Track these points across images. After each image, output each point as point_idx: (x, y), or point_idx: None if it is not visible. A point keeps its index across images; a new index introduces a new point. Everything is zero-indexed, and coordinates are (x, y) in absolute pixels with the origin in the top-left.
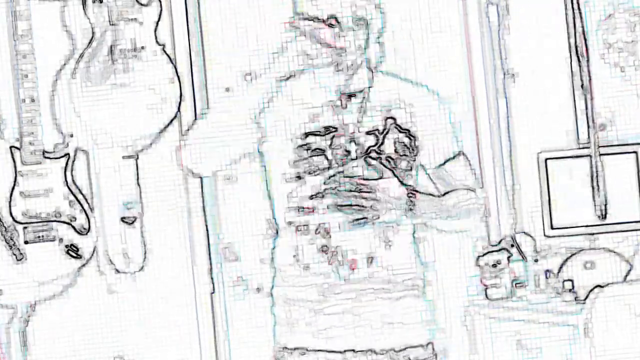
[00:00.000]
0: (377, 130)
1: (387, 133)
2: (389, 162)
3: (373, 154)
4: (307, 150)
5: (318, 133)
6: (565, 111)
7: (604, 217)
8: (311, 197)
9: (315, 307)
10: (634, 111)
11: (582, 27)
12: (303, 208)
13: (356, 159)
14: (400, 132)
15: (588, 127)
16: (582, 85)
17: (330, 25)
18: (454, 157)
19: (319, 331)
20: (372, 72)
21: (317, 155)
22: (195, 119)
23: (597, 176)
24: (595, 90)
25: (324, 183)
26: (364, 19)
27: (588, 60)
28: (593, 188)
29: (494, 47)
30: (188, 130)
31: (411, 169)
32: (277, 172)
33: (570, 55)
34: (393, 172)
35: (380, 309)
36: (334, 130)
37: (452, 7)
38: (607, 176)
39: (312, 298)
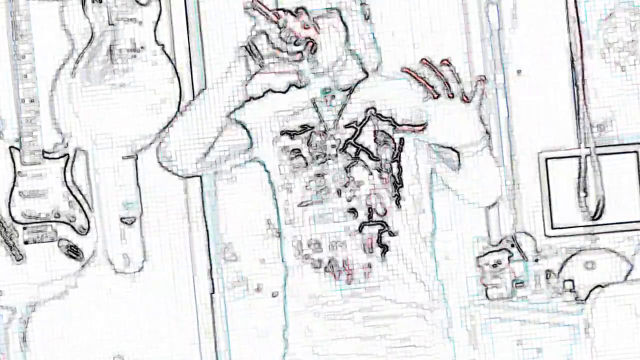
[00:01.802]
0: (355, 122)
1: (365, 123)
2: (368, 154)
3: (349, 148)
4: (287, 152)
5: (294, 132)
6: (566, 111)
7: (599, 217)
8: (300, 205)
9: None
10: (635, 111)
11: (579, 26)
12: (292, 220)
13: (335, 155)
14: (381, 120)
15: (585, 127)
16: (576, 85)
17: (293, 14)
18: None
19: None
20: (367, 73)
21: (295, 157)
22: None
23: (586, 177)
24: (594, 90)
25: (306, 187)
26: (337, 9)
27: (582, 59)
28: (581, 189)
29: (493, 47)
30: (165, 129)
31: (397, 159)
32: (274, 180)
33: (571, 54)
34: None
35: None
36: (310, 128)
37: (452, 7)
38: (607, 176)
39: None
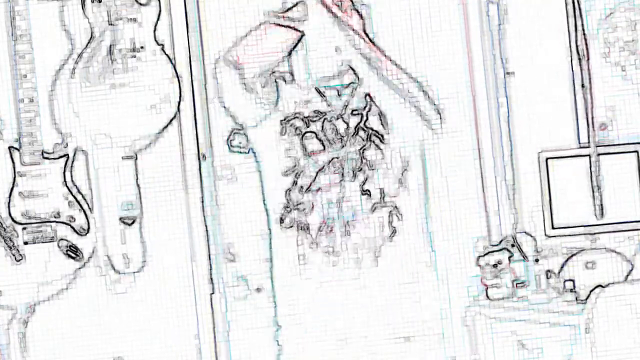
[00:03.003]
0: (359, 109)
1: (369, 109)
2: (379, 137)
3: (361, 132)
4: (298, 135)
5: (309, 117)
6: (566, 110)
7: (602, 215)
8: (308, 190)
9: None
10: (635, 110)
11: (582, 25)
12: (300, 205)
13: (347, 137)
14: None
15: (588, 127)
16: (582, 85)
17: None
18: None
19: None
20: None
21: (310, 139)
22: None
23: (596, 176)
24: (595, 89)
25: (321, 171)
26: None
27: (588, 60)
28: (593, 188)
29: (494, 47)
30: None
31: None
32: (271, 168)
33: (571, 54)
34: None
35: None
36: (322, 114)
37: (452, 7)
38: (607, 176)
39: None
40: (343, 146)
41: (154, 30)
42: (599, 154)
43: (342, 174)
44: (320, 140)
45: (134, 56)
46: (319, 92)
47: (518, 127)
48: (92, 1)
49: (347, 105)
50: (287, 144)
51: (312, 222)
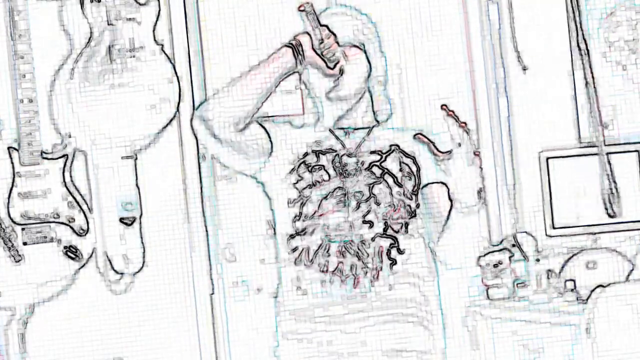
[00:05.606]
0: (380, 150)
1: (390, 154)
2: (394, 178)
3: (375, 168)
4: (307, 167)
5: (319, 151)
6: (567, 110)
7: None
8: (312, 216)
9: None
10: (636, 110)
11: (581, 24)
12: (303, 231)
13: (357, 172)
14: (405, 156)
15: (594, 125)
16: (586, 84)
17: (333, 34)
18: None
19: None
20: (378, 122)
21: (318, 171)
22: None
23: (609, 174)
24: (597, 88)
25: (325, 198)
26: (363, 44)
27: (589, 57)
28: (604, 187)
29: (494, 46)
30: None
31: (417, 193)
32: (278, 197)
33: (571, 53)
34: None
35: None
36: (334, 151)
37: (452, 7)
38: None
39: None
40: (348, 176)
41: (153, 30)
42: (606, 153)
43: (345, 203)
44: (327, 172)
45: (133, 56)
46: (333, 133)
47: (518, 127)
48: (91, 1)
49: (361, 144)
50: (295, 177)
51: (312, 241)
